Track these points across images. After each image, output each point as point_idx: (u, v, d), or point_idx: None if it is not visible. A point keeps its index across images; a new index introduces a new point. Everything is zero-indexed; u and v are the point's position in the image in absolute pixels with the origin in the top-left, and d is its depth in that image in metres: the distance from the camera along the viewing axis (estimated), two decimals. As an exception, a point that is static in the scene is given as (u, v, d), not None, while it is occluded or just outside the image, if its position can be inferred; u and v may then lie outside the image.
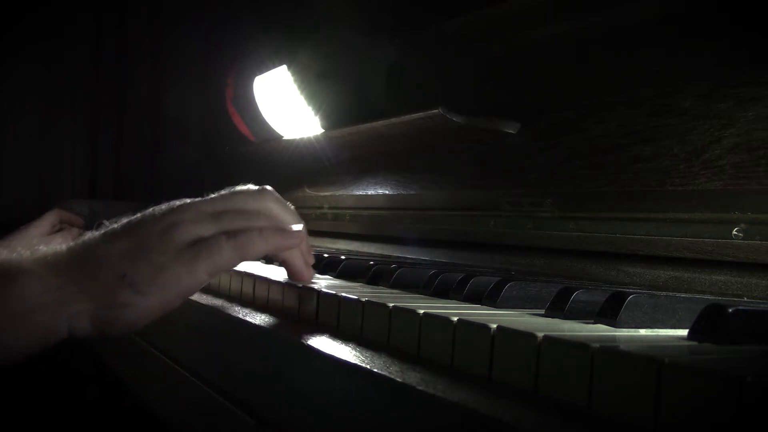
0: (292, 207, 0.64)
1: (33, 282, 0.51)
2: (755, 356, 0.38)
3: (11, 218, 1.54)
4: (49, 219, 1.58)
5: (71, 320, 0.52)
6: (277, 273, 0.77)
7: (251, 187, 0.62)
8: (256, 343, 0.61)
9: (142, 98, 2.38)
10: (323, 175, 1.38)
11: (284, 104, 1.50)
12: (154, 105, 2.36)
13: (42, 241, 1.52)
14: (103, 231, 0.56)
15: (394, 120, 1.02)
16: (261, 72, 1.57)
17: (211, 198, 0.59)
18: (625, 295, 0.47)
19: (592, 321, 0.47)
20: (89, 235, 0.56)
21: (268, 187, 0.63)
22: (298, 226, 0.62)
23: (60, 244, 0.55)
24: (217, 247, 0.54)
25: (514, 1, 0.96)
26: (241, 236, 0.56)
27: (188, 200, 0.59)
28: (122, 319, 0.52)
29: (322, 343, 0.52)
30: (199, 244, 0.54)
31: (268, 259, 0.94)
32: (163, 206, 0.58)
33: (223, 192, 0.61)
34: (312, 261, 0.68)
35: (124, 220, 0.57)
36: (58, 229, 1.62)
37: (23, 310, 0.50)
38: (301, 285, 0.64)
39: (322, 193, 1.38)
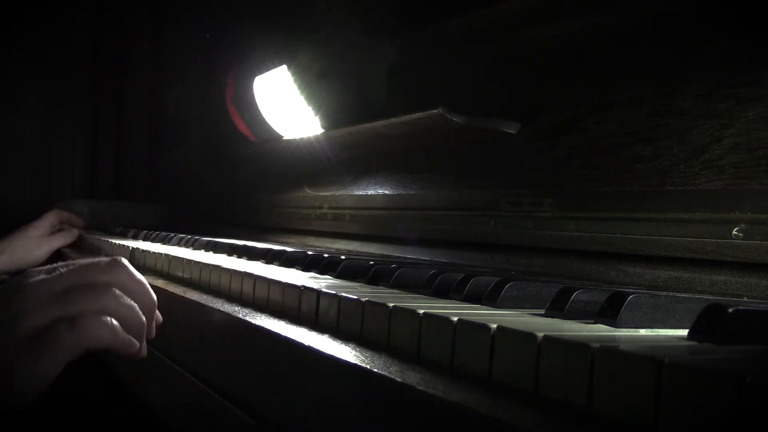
0: (143, 279, 0.62)
1: None
2: (755, 356, 0.38)
3: (11, 218, 1.54)
4: (49, 219, 1.58)
5: None
6: (277, 273, 0.77)
7: (102, 259, 0.60)
8: (256, 343, 0.61)
9: (142, 98, 2.38)
10: (323, 175, 1.38)
11: (284, 104, 1.50)
12: (154, 105, 2.36)
13: (42, 242, 1.53)
14: None
15: (394, 120, 1.02)
16: (261, 72, 1.57)
17: (58, 275, 0.57)
18: (625, 295, 0.47)
19: (592, 321, 0.47)
20: None
21: (120, 258, 0.61)
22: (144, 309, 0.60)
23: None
24: (58, 339, 0.52)
25: (514, 1, 0.96)
26: (83, 324, 0.54)
27: (34, 277, 0.56)
28: None
29: (322, 343, 0.52)
30: (42, 335, 0.53)
31: (268, 260, 0.94)
32: (8, 289, 0.55)
33: (72, 266, 0.58)
34: (152, 335, 0.65)
35: None
36: (58, 229, 1.62)
37: None
38: (301, 285, 0.64)
39: (322, 193, 1.38)
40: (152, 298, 0.63)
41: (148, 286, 0.62)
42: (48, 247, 1.54)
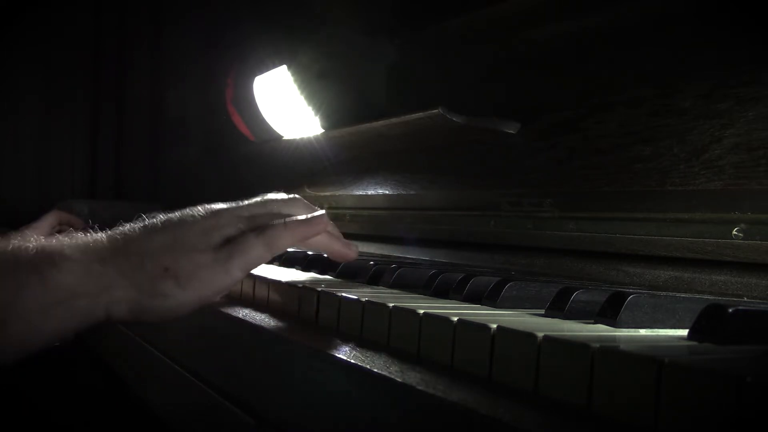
0: (323, 211, 0.67)
1: (76, 268, 0.53)
2: (755, 356, 0.38)
3: (11, 218, 1.54)
4: (48, 220, 1.58)
5: (111, 306, 0.54)
6: (278, 273, 0.77)
7: (282, 195, 0.67)
8: (256, 343, 0.61)
9: (142, 98, 2.38)
10: (323, 175, 1.38)
11: (284, 104, 1.50)
12: (154, 105, 2.36)
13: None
14: (142, 224, 0.59)
15: (394, 120, 1.02)
16: (261, 72, 1.57)
17: (246, 204, 0.63)
18: (625, 295, 0.47)
19: (592, 321, 0.47)
20: (127, 227, 0.58)
21: (297, 195, 0.67)
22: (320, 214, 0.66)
23: (99, 233, 0.58)
24: (248, 245, 0.58)
25: (514, 1, 0.96)
26: (268, 231, 0.59)
27: (225, 205, 0.63)
28: (160, 309, 0.55)
29: (322, 343, 0.52)
30: (232, 243, 0.58)
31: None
32: (201, 209, 0.61)
33: (256, 199, 0.65)
34: (344, 243, 0.71)
35: (163, 217, 0.60)
36: (57, 230, 1.62)
37: (66, 296, 0.52)
38: (301, 285, 0.64)
39: (322, 193, 1.38)
40: (329, 223, 0.67)
41: (326, 216, 0.67)
42: None
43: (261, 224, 0.60)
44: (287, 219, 0.61)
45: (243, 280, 0.75)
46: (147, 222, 0.59)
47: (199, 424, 0.70)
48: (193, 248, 0.57)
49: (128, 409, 1.06)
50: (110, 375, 1.04)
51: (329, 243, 0.68)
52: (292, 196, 0.67)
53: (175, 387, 0.77)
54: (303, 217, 0.63)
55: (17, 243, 0.54)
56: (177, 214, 0.60)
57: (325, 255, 0.86)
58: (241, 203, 0.64)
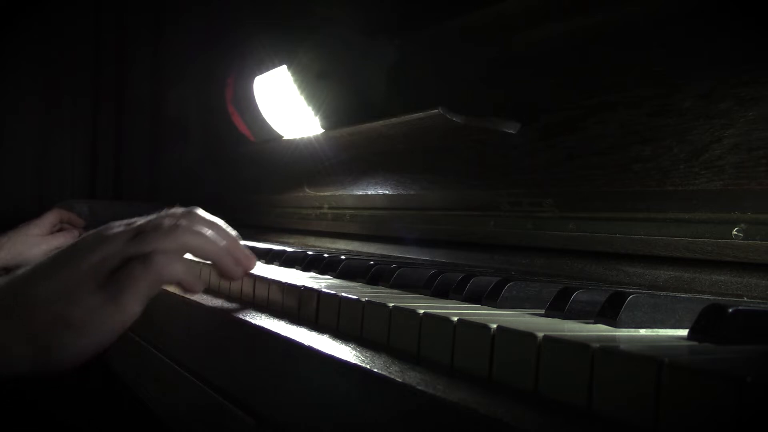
0: (221, 222, 0.64)
1: None
2: (755, 356, 0.38)
3: (11, 218, 1.54)
4: (49, 219, 1.58)
5: (12, 362, 0.52)
6: (277, 273, 0.77)
7: (177, 209, 0.62)
8: (256, 343, 0.61)
9: (142, 98, 2.38)
10: (323, 175, 1.38)
11: (284, 104, 1.50)
12: (154, 105, 2.36)
13: (42, 241, 1.53)
14: (30, 269, 0.56)
15: (394, 120, 1.02)
16: (261, 72, 1.57)
17: (137, 224, 0.59)
18: (625, 295, 0.47)
19: (592, 321, 0.47)
20: (19, 272, 0.56)
21: (194, 207, 0.63)
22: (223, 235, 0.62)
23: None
24: (135, 278, 0.54)
25: (513, 1, 0.96)
26: (156, 260, 0.55)
27: (116, 227, 0.59)
28: (61, 359, 0.53)
29: (322, 343, 0.52)
30: (121, 277, 0.55)
31: (268, 260, 0.94)
32: (90, 238, 0.58)
33: (151, 216, 0.61)
34: (247, 257, 0.66)
35: (50, 257, 0.57)
36: (58, 229, 1.62)
37: None
38: (301, 285, 0.64)
39: (322, 193, 1.38)
40: (230, 234, 0.64)
41: (224, 225, 0.64)
42: (47, 246, 1.54)
43: (149, 248, 0.56)
44: (175, 248, 0.57)
45: (243, 280, 0.75)
46: (37, 264, 0.56)
47: (199, 425, 0.70)
48: (83, 290, 0.54)
49: (128, 409, 1.06)
50: (110, 375, 1.04)
51: (222, 264, 0.63)
52: (189, 209, 0.62)
53: (175, 387, 0.77)
54: (206, 233, 0.60)
55: None
56: (65, 250, 0.57)
57: (326, 255, 0.86)
58: (135, 222, 0.60)
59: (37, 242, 1.53)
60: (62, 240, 1.57)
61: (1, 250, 1.46)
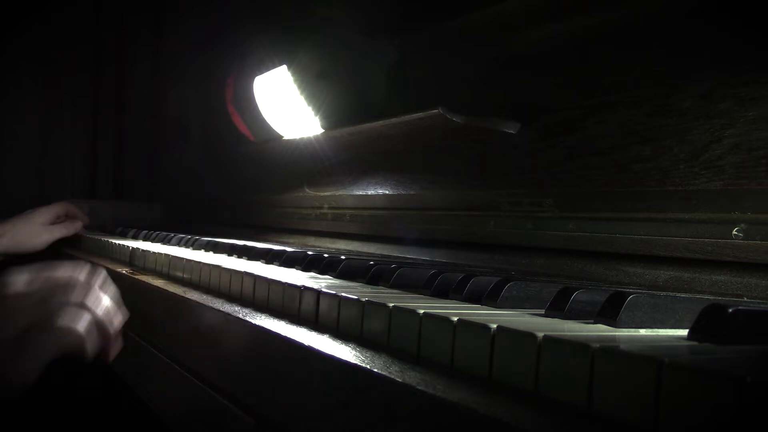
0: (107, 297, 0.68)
1: None
2: (755, 356, 0.38)
3: (9, 217, 1.54)
4: (55, 209, 1.59)
5: None
6: (278, 273, 0.77)
7: (75, 276, 0.66)
8: (256, 343, 0.61)
9: (142, 98, 2.38)
10: (323, 175, 1.38)
11: (284, 104, 1.50)
12: (154, 105, 2.36)
13: (45, 230, 1.53)
14: None
15: (394, 120, 1.02)
16: (261, 72, 1.57)
17: (38, 287, 0.63)
18: (625, 295, 0.47)
19: (592, 321, 0.47)
20: None
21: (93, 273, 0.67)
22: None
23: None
24: (32, 344, 0.58)
25: (513, 1, 0.96)
26: (53, 328, 0.61)
27: (16, 282, 0.62)
28: None
29: (322, 343, 0.52)
30: (22, 340, 0.58)
31: (268, 260, 0.94)
32: None
33: (51, 271, 0.65)
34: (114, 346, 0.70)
35: None
36: (62, 220, 1.62)
37: None
38: (301, 285, 0.64)
39: (322, 193, 1.38)
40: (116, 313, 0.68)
41: (111, 304, 0.67)
42: (49, 236, 1.54)
43: (47, 314, 0.60)
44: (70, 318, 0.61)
45: (243, 280, 0.75)
46: None
47: (199, 424, 0.70)
48: None
49: (128, 409, 1.06)
50: (110, 375, 1.04)
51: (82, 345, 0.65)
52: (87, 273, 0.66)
53: (175, 387, 0.77)
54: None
55: None
56: None
57: (326, 255, 0.86)
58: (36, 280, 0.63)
59: (40, 231, 1.53)
60: (64, 230, 1.57)
61: (4, 236, 1.46)
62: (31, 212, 1.54)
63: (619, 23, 0.84)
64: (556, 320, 0.48)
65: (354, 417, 0.45)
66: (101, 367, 1.09)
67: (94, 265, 0.68)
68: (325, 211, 1.36)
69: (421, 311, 0.47)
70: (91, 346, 0.63)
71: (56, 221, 1.59)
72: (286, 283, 0.67)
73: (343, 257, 0.82)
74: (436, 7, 1.14)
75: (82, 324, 0.62)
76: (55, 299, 0.62)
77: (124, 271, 1.04)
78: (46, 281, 0.62)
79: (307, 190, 1.44)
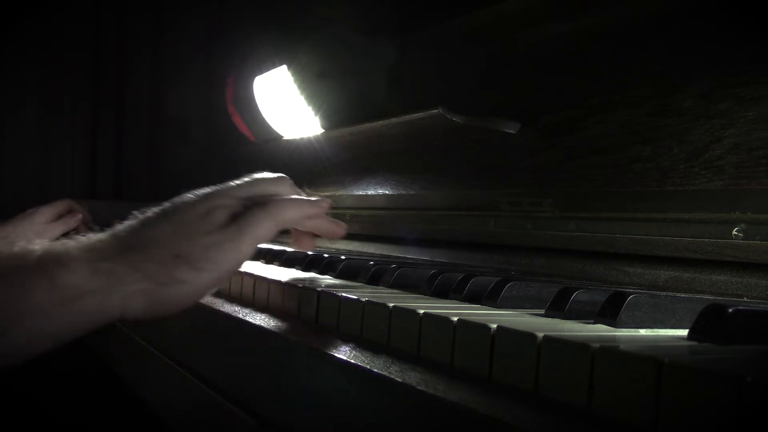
0: (321, 198, 0.69)
1: (83, 266, 0.52)
2: (755, 356, 0.38)
3: (11, 218, 1.54)
4: (57, 208, 1.58)
5: (125, 301, 0.53)
6: (278, 273, 0.77)
7: (269, 174, 0.66)
8: (257, 343, 0.61)
9: (142, 98, 2.38)
10: (323, 175, 1.38)
11: (284, 104, 1.50)
12: (154, 105, 2.36)
13: (46, 229, 1.52)
14: (141, 218, 0.58)
15: (394, 120, 1.02)
16: (261, 72, 1.57)
17: (237, 183, 0.63)
18: (625, 295, 0.47)
19: (592, 321, 0.47)
20: (126, 223, 0.58)
21: (283, 175, 0.68)
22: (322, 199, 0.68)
23: (100, 233, 0.57)
24: (255, 218, 0.58)
25: (513, 1, 0.96)
26: (273, 204, 0.60)
27: (215, 187, 0.62)
28: (177, 296, 0.55)
29: (322, 343, 0.52)
30: (240, 219, 0.58)
31: (268, 260, 0.94)
32: (192, 195, 0.61)
33: (245, 178, 0.64)
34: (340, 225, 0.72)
35: (158, 209, 0.59)
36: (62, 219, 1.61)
37: (77, 294, 0.51)
38: (300, 285, 0.64)
39: (322, 193, 1.38)
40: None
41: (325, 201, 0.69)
42: (51, 235, 1.53)
43: (259, 201, 0.60)
44: (292, 196, 0.63)
45: (243, 280, 0.75)
46: (144, 215, 0.59)
47: (199, 425, 0.70)
48: (198, 230, 0.56)
49: (128, 409, 1.06)
50: (110, 375, 1.04)
51: (322, 224, 0.69)
52: (278, 175, 0.67)
53: (175, 387, 0.77)
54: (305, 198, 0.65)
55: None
56: (170, 203, 0.60)
57: (326, 255, 0.86)
58: (230, 183, 0.63)
59: (41, 230, 1.52)
60: (64, 227, 1.56)
61: (5, 239, 1.46)
62: (31, 212, 1.54)
63: (619, 23, 0.84)
64: (556, 320, 0.48)
65: (354, 417, 0.45)
66: (101, 367, 1.09)
67: None
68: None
69: (421, 311, 0.47)
70: (307, 210, 0.65)
71: (57, 219, 1.59)
72: (286, 283, 0.67)
73: (343, 257, 0.82)
74: (436, 7, 1.14)
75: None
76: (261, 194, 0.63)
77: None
78: (247, 184, 0.63)
79: (307, 190, 1.44)
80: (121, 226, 0.58)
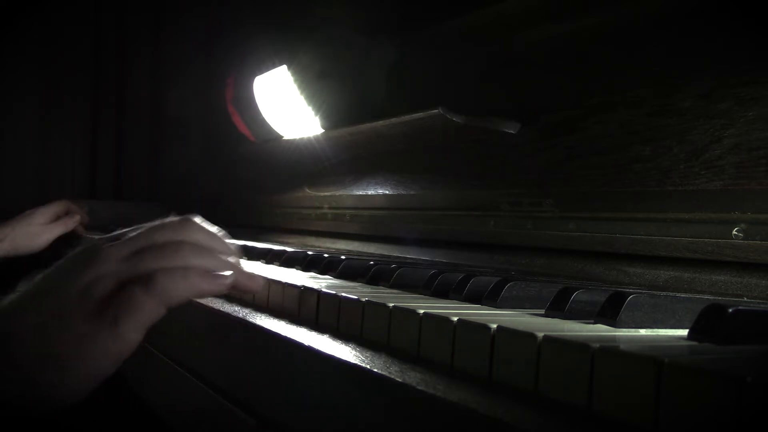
0: (221, 232, 0.59)
1: None
2: (755, 356, 0.38)
3: (11, 218, 1.54)
4: (54, 209, 1.59)
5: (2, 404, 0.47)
6: (277, 273, 0.77)
7: (172, 219, 0.57)
8: (257, 343, 0.61)
9: (142, 98, 2.38)
10: (323, 175, 1.38)
11: (284, 104, 1.50)
12: (154, 105, 2.36)
13: (45, 230, 1.52)
14: (16, 299, 0.50)
15: (394, 120, 1.02)
16: (261, 72, 1.56)
17: (128, 239, 0.53)
18: (625, 295, 0.47)
19: (592, 321, 0.47)
20: (3, 303, 0.50)
21: (192, 217, 0.58)
22: (228, 259, 0.56)
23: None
24: (135, 302, 0.48)
25: (513, 1, 0.96)
26: (160, 281, 0.49)
27: (105, 245, 0.53)
28: (53, 400, 0.47)
29: (322, 343, 0.52)
30: (116, 302, 0.48)
31: (268, 260, 0.94)
32: (76, 257, 0.52)
33: (141, 228, 0.55)
34: (255, 280, 0.59)
35: (35, 284, 0.51)
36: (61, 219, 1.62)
37: None
38: (301, 285, 0.64)
39: (322, 193, 1.38)
40: (230, 248, 0.58)
41: (223, 238, 0.58)
42: (49, 235, 1.54)
43: (146, 266, 0.50)
44: (187, 266, 0.51)
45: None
46: (22, 294, 0.50)
47: (200, 425, 0.70)
48: (72, 317, 0.48)
49: (128, 408, 1.06)
50: (110, 375, 1.04)
51: (199, 287, 0.53)
52: (184, 218, 0.57)
53: (175, 387, 0.77)
54: (206, 257, 0.54)
55: None
56: (51, 272, 0.51)
57: (326, 255, 0.86)
58: (124, 237, 0.54)
59: (39, 231, 1.52)
60: (63, 227, 1.56)
61: (3, 240, 1.45)
62: (30, 213, 1.54)
63: (619, 23, 0.84)
64: (556, 320, 0.48)
65: (354, 417, 0.45)
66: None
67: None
68: (325, 211, 1.36)
69: (421, 311, 0.47)
70: (205, 286, 0.52)
71: (55, 220, 1.59)
72: (286, 283, 0.67)
73: (343, 257, 0.82)
74: (436, 7, 1.14)
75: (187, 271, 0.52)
76: (150, 253, 0.51)
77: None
78: (137, 239, 0.53)
79: (307, 190, 1.44)
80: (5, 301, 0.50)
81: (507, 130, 0.94)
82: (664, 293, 0.54)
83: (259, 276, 0.58)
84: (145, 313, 0.49)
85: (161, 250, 0.52)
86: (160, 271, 0.50)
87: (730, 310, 0.40)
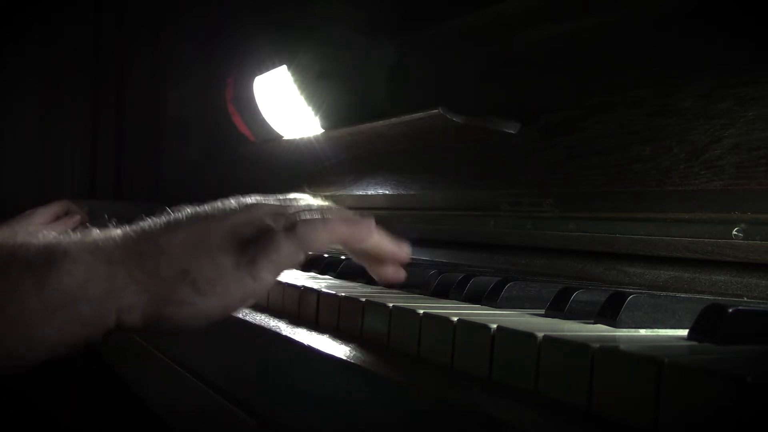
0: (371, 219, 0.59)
1: (78, 270, 0.46)
2: (755, 356, 0.38)
3: (11, 218, 1.54)
4: (54, 209, 1.58)
5: (121, 313, 0.47)
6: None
7: (321, 202, 0.59)
8: (257, 343, 0.61)
9: (142, 98, 2.38)
10: (323, 175, 1.38)
11: (284, 104, 1.50)
12: (154, 105, 2.36)
13: (44, 230, 1.52)
14: (165, 220, 0.52)
15: (394, 120, 1.02)
16: (261, 72, 1.56)
17: (283, 199, 0.56)
18: (625, 295, 0.47)
19: (592, 321, 0.47)
20: (148, 222, 0.51)
21: (338, 207, 0.60)
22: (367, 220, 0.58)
23: (115, 230, 0.51)
24: (275, 244, 0.50)
25: (513, 1, 0.96)
26: (301, 227, 0.51)
27: (260, 198, 0.56)
28: (177, 317, 0.48)
29: (322, 343, 0.52)
30: (257, 243, 0.50)
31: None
32: (233, 202, 0.54)
33: (295, 195, 0.58)
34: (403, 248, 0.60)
35: (190, 211, 0.53)
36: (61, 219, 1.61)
37: (65, 301, 0.45)
38: (301, 285, 0.64)
39: (322, 193, 1.38)
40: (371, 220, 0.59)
41: (374, 223, 0.59)
42: None
43: (293, 219, 0.52)
44: (328, 217, 0.54)
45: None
46: (171, 217, 0.52)
47: (200, 425, 0.70)
48: (217, 247, 0.49)
49: (128, 409, 1.06)
50: (110, 375, 1.04)
51: (375, 246, 0.58)
52: (331, 205, 0.58)
53: (175, 387, 0.77)
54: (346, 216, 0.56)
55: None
56: (206, 207, 0.54)
57: (326, 255, 0.86)
58: (279, 197, 0.56)
59: (38, 233, 1.52)
60: (62, 227, 1.56)
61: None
62: (30, 213, 1.54)
63: (619, 23, 0.84)
64: (556, 320, 0.48)
65: (354, 417, 0.45)
66: (101, 367, 1.09)
67: None
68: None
69: (421, 311, 0.47)
70: (346, 231, 0.55)
71: (55, 220, 1.59)
72: (286, 283, 0.67)
73: (343, 257, 0.82)
74: (436, 7, 1.14)
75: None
76: (295, 209, 0.54)
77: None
78: (284, 201, 0.55)
79: (307, 190, 1.44)
80: (141, 224, 0.51)
81: (507, 130, 0.94)
82: (664, 293, 0.54)
83: (406, 246, 0.59)
84: (282, 254, 0.50)
85: (308, 208, 0.54)
86: (301, 221, 0.52)
87: (730, 310, 0.40)
